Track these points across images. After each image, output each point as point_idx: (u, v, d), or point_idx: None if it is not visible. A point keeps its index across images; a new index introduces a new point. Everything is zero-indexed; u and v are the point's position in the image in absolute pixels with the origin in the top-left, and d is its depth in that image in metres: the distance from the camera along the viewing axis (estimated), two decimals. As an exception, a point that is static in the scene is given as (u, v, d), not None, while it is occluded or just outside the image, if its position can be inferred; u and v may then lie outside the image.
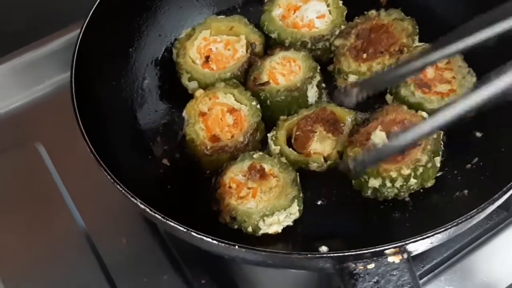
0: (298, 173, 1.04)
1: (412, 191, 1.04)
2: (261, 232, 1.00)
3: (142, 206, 0.86)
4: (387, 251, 0.79)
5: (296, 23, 1.23)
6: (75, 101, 0.99)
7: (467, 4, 1.19)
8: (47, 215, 1.19)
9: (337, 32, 1.21)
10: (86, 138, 0.94)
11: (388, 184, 1.01)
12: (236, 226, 1.00)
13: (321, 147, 1.09)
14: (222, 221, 1.01)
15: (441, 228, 0.80)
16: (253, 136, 1.09)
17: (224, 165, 1.06)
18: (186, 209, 1.06)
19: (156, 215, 0.85)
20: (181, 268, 1.09)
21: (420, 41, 1.19)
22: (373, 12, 1.22)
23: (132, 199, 0.87)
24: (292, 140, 1.10)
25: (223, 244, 0.80)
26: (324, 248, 0.97)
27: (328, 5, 1.25)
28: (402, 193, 1.03)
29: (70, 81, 1.02)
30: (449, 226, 0.79)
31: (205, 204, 1.06)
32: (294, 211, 1.02)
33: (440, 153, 1.05)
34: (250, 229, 0.99)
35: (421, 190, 1.04)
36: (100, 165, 0.90)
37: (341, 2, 1.25)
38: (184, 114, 1.13)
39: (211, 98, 1.13)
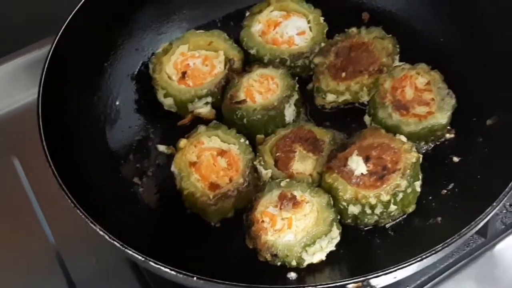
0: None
1: (394, 218, 1.02)
2: (305, 263, 0.96)
3: (101, 233, 0.84)
4: (349, 286, 0.76)
5: (275, 40, 1.21)
6: (40, 117, 0.98)
7: (448, 23, 1.17)
8: (18, 230, 1.17)
9: (317, 50, 1.19)
10: (49, 157, 0.92)
11: (368, 210, 0.99)
12: (279, 263, 0.96)
13: (303, 166, 1.06)
14: (262, 259, 0.97)
15: (404, 263, 0.77)
16: (251, 174, 1.06)
17: (252, 199, 1.01)
18: (156, 230, 1.04)
19: (114, 242, 0.82)
20: (150, 290, 1.07)
21: (400, 60, 1.17)
22: (353, 30, 1.20)
23: (92, 224, 0.85)
24: (273, 162, 1.07)
25: (181, 275, 0.78)
26: (293, 275, 0.95)
27: (308, 22, 1.23)
28: (383, 220, 1.01)
29: (37, 97, 1.01)
30: (413, 261, 0.77)
31: (177, 223, 1.05)
32: (335, 235, 0.99)
33: (420, 177, 1.03)
34: (294, 263, 0.95)
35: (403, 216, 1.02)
36: (60, 186, 0.88)
37: (322, 18, 1.23)
38: (173, 168, 1.08)
39: (196, 145, 1.09)
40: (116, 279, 1.09)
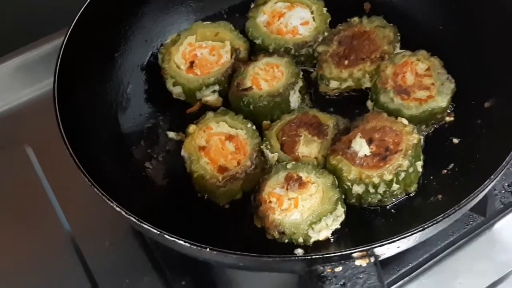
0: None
1: (397, 197, 1.05)
2: (312, 240, 1.00)
3: (118, 209, 0.87)
4: (354, 255, 0.80)
5: (280, 30, 1.25)
6: (57, 105, 1.01)
7: (446, 11, 1.21)
8: (33, 217, 1.21)
9: (320, 39, 1.23)
10: (66, 141, 0.96)
11: (371, 190, 1.03)
12: (286, 240, 1.00)
13: (308, 150, 1.10)
14: (270, 237, 1.01)
15: (407, 233, 0.81)
16: (258, 157, 1.09)
17: (260, 181, 1.05)
18: (167, 211, 1.08)
19: (131, 217, 0.86)
20: (162, 270, 1.11)
21: (401, 47, 1.21)
22: (355, 19, 1.24)
23: (108, 201, 0.88)
24: (279, 146, 1.11)
25: (195, 247, 0.82)
26: (299, 251, 0.99)
27: (312, 12, 1.27)
28: (386, 199, 1.05)
29: (53, 86, 1.04)
30: (415, 231, 0.81)
31: (187, 205, 1.08)
32: (340, 213, 1.02)
33: (421, 157, 1.06)
34: (301, 240, 0.99)
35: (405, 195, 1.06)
36: (78, 167, 0.92)
37: (325, 9, 1.27)
38: (183, 153, 1.12)
39: (205, 131, 1.12)
40: (130, 262, 1.13)
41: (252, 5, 1.29)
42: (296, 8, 1.27)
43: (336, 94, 1.20)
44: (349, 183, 1.03)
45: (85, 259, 1.15)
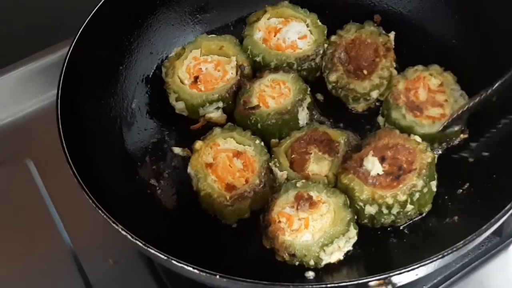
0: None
1: (411, 217, 1.02)
2: (323, 263, 0.97)
3: (123, 233, 0.84)
4: (371, 283, 0.77)
5: (279, 45, 1.22)
6: (59, 120, 0.99)
7: (460, 25, 1.19)
8: (34, 232, 1.18)
9: (321, 51, 1.20)
10: (69, 157, 0.93)
11: (385, 210, 1.00)
12: (297, 263, 0.97)
13: (318, 168, 1.07)
14: (280, 259, 0.98)
15: (426, 261, 0.78)
16: (267, 175, 1.06)
17: (269, 200, 1.02)
18: (173, 231, 1.05)
19: (137, 242, 0.83)
20: (168, 291, 1.08)
21: (413, 62, 1.17)
22: (340, 34, 1.21)
23: (113, 224, 0.86)
24: (288, 164, 1.08)
25: (204, 274, 0.79)
26: (311, 274, 0.96)
27: (307, 25, 1.24)
28: (400, 220, 1.02)
29: (56, 99, 1.02)
30: (435, 259, 0.78)
31: (194, 224, 1.06)
32: (353, 235, 0.99)
33: (436, 177, 1.03)
34: (312, 262, 0.96)
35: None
36: (82, 187, 0.89)
37: (319, 21, 1.24)
38: (189, 170, 1.09)
39: (212, 147, 1.10)
40: (133, 280, 1.10)
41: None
42: (291, 23, 1.24)
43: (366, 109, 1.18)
44: (361, 203, 1.01)
45: (87, 277, 1.12)
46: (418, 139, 1.06)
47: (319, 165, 1.07)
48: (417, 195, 0.99)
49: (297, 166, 1.07)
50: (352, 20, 1.22)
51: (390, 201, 0.99)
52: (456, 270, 1.06)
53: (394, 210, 1.00)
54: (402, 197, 0.99)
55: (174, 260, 0.81)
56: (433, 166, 1.03)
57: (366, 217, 1.02)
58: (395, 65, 1.17)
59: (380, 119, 1.15)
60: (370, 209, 1.00)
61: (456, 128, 1.08)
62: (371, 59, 1.16)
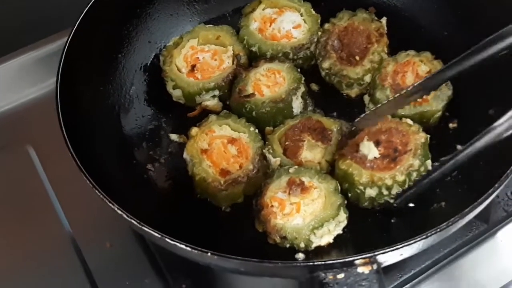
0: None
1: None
2: (313, 245, 0.99)
3: (119, 212, 0.87)
4: (357, 262, 0.80)
5: (274, 35, 1.25)
6: (59, 107, 1.01)
7: (451, 17, 1.21)
8: (34, 217, 1.20)
9: (315, 40, 1.23)
10: (68, 142, 0.96)
11: (385, 192, 1.02)
12: (288, 245, 1.00)
13: (311, 155, 1.10)
14: (271, 242, 1.01)
15: (410, 241, 0.80)
16: (260, 161, 1.09)
17: (262, 185, 1.05)
18: (168, 214, 1.08)
19: (132, 221, 0.86)
20: (163, 273, 1.10)
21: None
22: (333, 22, 1.23)
23: (110, 204, 0.88)
24: (282, 151, 1.11)
25: (196, 251, 0.81)
26: (301, 256, 0.98)
27: (301, 15, 1.26)
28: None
29: (55, 86, 1.04)
30: (418, 239, 0.80)
31: (188, 207, 1.08)
32: (342, 219, 1.02)
33: (430, 156, 1.05)
34: (302, 245, 0.99)
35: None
36: (80, 168, 0.92)
37: (312, 10, 1.27)
38: (185, 155, 1.12)
39: (208, 133, 1.12)
40: (128, 261, 1.13)
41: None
42: (285, 13, 1.27)
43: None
44: (361, 187, 1.03)
45: (86, 260, 1.14)
46: (410, 121, 1.08)
47: (312, 152, 1.10)
48: (414, 174, 1.01)
49: (291, 153, 1.10)
50: (345, 9, 1.25)
51: (389, 182, 1.01)
52: (444, 256, 1.08)
53: (394, 191, 1.02)
54: (401, 178, 1.01)
55: (168, 238, 0.83)
56: (426, 146, 1.05)
57: (366, 200, 1.04)
58: (387, 51, 1.20)
59: (366, 98, 1.18)
60: (371, 192, 1.02)
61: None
62: (363, 45, 1.18)
